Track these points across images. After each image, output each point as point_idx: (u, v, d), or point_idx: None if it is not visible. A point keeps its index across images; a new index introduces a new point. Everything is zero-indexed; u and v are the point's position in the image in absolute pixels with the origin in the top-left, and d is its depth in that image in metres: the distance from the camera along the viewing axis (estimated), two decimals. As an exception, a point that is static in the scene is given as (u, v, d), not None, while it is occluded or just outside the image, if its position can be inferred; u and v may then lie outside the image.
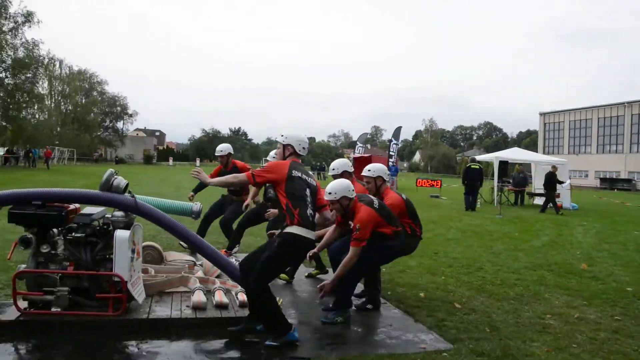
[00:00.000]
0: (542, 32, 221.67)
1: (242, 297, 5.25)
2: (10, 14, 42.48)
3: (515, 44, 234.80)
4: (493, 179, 22.95)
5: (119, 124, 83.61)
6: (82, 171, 40.06)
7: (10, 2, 42.36)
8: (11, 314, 4.65)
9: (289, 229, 4.42)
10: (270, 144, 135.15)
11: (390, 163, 32.67)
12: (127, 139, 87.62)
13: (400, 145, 35.93)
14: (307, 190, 4.58)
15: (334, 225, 5.38)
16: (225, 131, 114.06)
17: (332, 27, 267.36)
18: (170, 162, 77.37)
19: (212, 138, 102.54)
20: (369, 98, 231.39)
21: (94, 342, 4.37)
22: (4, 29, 42.15)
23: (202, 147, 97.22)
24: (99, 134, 78.23)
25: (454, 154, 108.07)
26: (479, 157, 26.20)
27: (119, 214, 4.86)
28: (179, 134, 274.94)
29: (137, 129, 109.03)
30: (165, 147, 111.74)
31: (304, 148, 4.84)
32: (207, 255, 5.13)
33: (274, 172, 4.56)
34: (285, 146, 4.82)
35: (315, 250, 5.29)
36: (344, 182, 5.12)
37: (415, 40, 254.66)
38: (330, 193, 4.99)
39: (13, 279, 4.63)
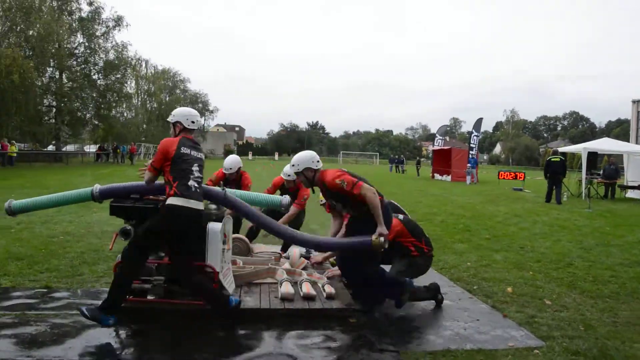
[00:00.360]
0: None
1: (329, 289, 5.34)
2: (102, 19, 44.91)
3: (601, 26, 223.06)
4: (580, 171, 21.93)
5: (201, 120, 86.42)
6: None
7: (103, 9, 44.79)
8: (113, 300, 4.94)
9: (167, 201, 4.49)
10: (347, 137, 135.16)
11: (471, 155, 31.95)
12: (208, 135, 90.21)
13: (480, 137, 35.03)
14: (195, 165, 4.61)
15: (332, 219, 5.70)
16: (303, 125, 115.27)
17: (408, 22, 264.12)
18: (250, 156, 79.11)
19: (290, 132, 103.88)
20: (448, 90, 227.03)
21: (189, 329, 4.57)
22: (97, 33, 44.57)
23: (281, 141, 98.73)
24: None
25: (537, 146, 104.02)
26: (565, 149, 25.12)
27: (211, 206, 5.05)
28: (258, 128, 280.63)
29: (217, 125, 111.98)
30: (244, 141, 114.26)
31: (193, 122, 4.79)
32: (297, 240, 5.25)
33: (165, 152, 4.56)
34: (174, 125, 4.79)
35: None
36: (307, 152, 5.14)
37: (495, 27, 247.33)
38: (293, 165, 5.06)
39: (114, 268, 4.92)
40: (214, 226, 4.84)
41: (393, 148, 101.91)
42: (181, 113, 4.80)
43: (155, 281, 4.87)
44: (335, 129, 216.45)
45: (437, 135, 40.86)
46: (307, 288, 5.29)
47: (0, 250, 7.32)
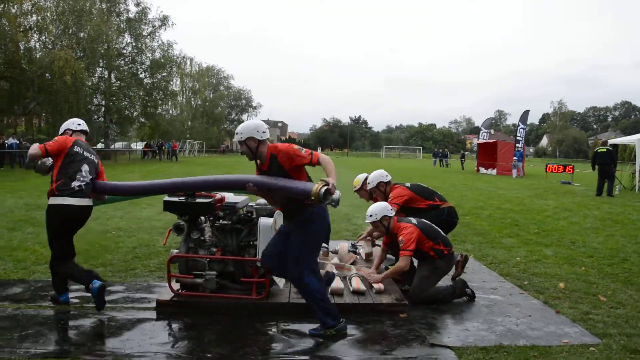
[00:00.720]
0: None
1: (378, 285, 5.34)
2: (149, 19, 45.86)
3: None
4: (633, 164, 21.21)
5: (244, 116, 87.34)
6: (210, 162, 42.32)
7: (149, 9, 45.74)
8: (166, 294, 5.08)
9: (49, 201, 4.86)
10: (390, 131, 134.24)
11: (517, 148, 31.32)
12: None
13: (526, 130, 34.29)
14: (85, 165, 4.96)
15: (382, 247, 5.97)
16: (345, 120, 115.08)
17: (449, 13, 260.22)
18: (293, 151, 79.51)
19: (332, 127, 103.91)
20: (492, 81, 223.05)
21: (240, 323, 4.65)
22: (143, 33, 45.55)
23: (323, 137, 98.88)
24: (225, 126, 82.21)
25: (586, 138, 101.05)
26: (616, 140, 24.33)
27: (262, 202, 5.11)
28: (301, 124, 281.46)
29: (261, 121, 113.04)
30: (287, 137, 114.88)
31: (79, 125, 5.36)
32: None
33: (59, 146, 4.93)
34: (64, 131, 5.26)
35: (372, 272, 5.72)
36: (381, 203, 5.62)
37: (541, 16, 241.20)
38: (371, 215, 5.47)
39: (168, 262, 5.05)
40: (265, 221, 4.90)
41: (436, 142, 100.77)
42: (69, 121, 5.42)
43: (208, 276, 4.96)
44: (377, 124, 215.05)
45: (482, 128, 40.21)
46: (356, 283, 5.31)
47: (57, 246, 7.56)
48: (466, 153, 52.74)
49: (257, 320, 4.73)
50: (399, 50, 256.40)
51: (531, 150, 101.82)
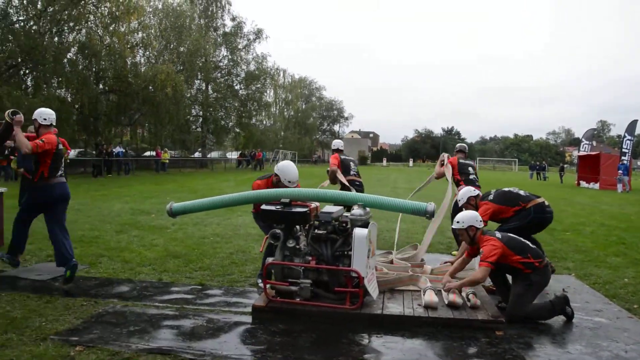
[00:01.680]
0: None
1: (474, 298, 5.21)
2: (244, 33, 47.56)
3: None
4: None
5: (336, 127, 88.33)
6: (302, 172, 42.86)
7: (244, 23, 47.39)
8: (262, 300, 5.21)
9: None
10: (484, 143, 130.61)
11: (623, 161, 29.56)
12: (343, 141, 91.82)
13: (634, 141, 32.25)
14: (62, 159, 6.29)
15: (463, 257, 5.79)
16: (438, 131, 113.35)
17: (545, 16, 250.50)
18: (384, 162, 79.29)
19: (424, 138, 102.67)
20: (595, 90, 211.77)
21: (334, 332, 4.67)
22: (239, 46, 47.26)
23: (415, 148, 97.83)
24: (317, 136, 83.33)
25: None
26: None
27: (357, 212, 5.14)
28: (393, 135, 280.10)
29: (352, 131, 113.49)
30: (378, 148, 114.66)
31: (45, 119, 6.22)
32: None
33: (50, 144, 6.01)
34: (41, 126, 6.22)
35: (447, 279, 5.61)
36: (472, 212, 5.55)
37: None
38: (458, 222, 5.44)
39: (264, 269, 5.18)
40: (360, 232, 4.92)
41: (533, 154, 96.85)
42: (40, 114, 6.29)
43: (302, 284, 5.04)
44: (471, 134, 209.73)
45: (582, 139, 38.27)
46: (454, 297, 5.20)
47: (159, 249, 7.98)
48: (565, 166, 50.40)
49: (350, 330, 4.73)
50: (492, 57, 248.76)
51: (639, 163, 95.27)
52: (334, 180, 8.51)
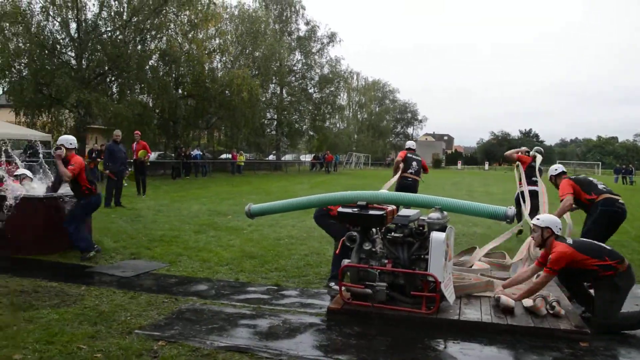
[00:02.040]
0: None
1: (558, 307, 5.00)
2: (317, 37, 47.96)
3: None
4: None
5: (409, 130, 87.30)
6: (374, 175, 42.70)
7: (318, 27, 47.80)
8: (337, 302, 5.22)
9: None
10: (564, 145, 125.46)
11: None
12: (417, 144, 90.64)
13: None
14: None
15: (532, 265, 5.51)
16: (515, 133, 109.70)
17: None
18: (459, 165, 77.74)
19: (501, 141, 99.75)
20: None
21: (409, 337, 4.62)
22: (313, 50, 47.69)
23: (491, 151, 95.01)
24: (390, 139, 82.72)
25: None
26: None
27: (435, 216, 5.07)
28: (468, 137, 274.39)
29: (426, 134, 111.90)
30: (453, 150, 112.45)
31: (71, 144, 7.43)
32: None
33: (79, 164, 7.28)
34: (68, 150, 7.37)
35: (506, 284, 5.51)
36: (555, 218, 5.32)
37: None
38: (538, 219, 5.30)
39: (340, 271, 5.19)
40: (437, 236, 4.84)
41: (618, 157, 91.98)
42: (64, 139, 7.49)
43: (378, 287, 5.01)
44: (550, 137, 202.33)
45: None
46: (541, 303, 5.01)
47: (236, 249, 8.16)
48: (657, 170, 47.63)
49: (426, 334, 4.66)
50: (572, 55, 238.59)
51: None
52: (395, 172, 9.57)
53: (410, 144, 10.36)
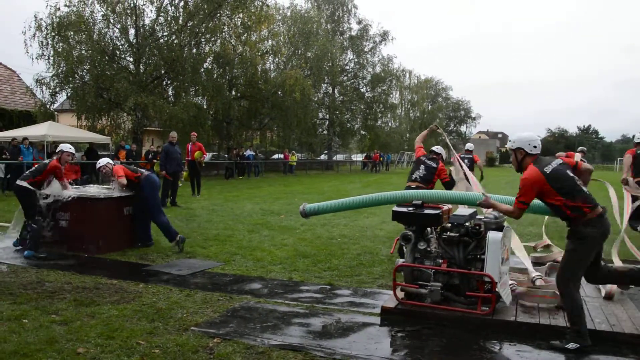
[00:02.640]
0: None
1: (541, 280, 4.83)
2: (370, 35, 47.83)
3: None
4: None
5: (462, 128, 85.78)
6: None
7: (371, 26, 47.66)
8: (391, 302, 5.19)
9: None
10: (626, 141, 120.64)
11: None
12: (470, 142, 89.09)
13: None
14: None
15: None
16: (573, 130, 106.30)
17: None
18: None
19: (558, 138, 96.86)
20: None
21: (464, 337, 4.55)
22: (365, 49, 47.61)
23: (547, 148, 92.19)
24: (443, 137, 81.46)
25: None
26: None
27: (491, 215, 4.96)
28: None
29: (479, 132, 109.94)
30: (507, 148, 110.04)
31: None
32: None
33: (118, 170, 8.04)
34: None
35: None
36: (527, 135, 4.71)
37: None
38: (510, 140, 4.82)
39: (394, 271, 5.16)
40: (494, 235, 4.74)
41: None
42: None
43: (432, 287, 4.95)
44: (610, 133, 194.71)
45: None
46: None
47: (289, 249, 8.22)
48: None
49: (481, 336, 4.59)
50: (634, 49, 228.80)
51: None
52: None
53: (469, 145, 9.25)
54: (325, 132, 48.20)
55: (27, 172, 7.90)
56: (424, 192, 5.43)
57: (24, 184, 7.45)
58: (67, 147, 8.06)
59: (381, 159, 49.69)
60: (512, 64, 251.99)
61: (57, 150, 8.17)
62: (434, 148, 8.09)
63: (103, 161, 8.32)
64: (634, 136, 9.38)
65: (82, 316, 4.82)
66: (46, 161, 7.94)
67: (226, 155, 33.19)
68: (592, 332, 4.50)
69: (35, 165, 8.04)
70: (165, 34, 27.17)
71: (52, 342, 4.18)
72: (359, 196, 5.99)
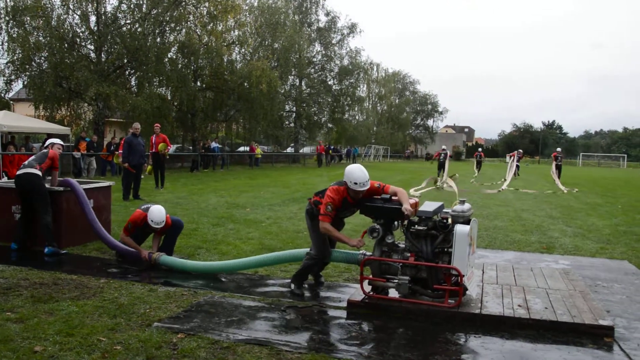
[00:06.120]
0: None
1: None
2: (338, 27, 47.74)
3: None
4: None
5: (430, 122, 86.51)
6: (393, 167, 42.52)
7: (339, 18, 47.56)
8: (357, 295, 5.17)
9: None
10: (588, 137, 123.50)
11: None
12: (436, 136, 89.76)
13: None
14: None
15: None
16: (538, 125, 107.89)
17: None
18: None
19: (523, 133, 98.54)
20: None
21: (430, 330, 4.56)
22: (332, 41, 47.48)
23: (513, 143, 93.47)
24: (410, 131, 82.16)
25: None
26: None
27: (459, 208, 4.97)
28: (489, 129, 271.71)
29: (446, 126, 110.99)
30: (474, 143, 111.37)
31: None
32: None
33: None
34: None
35: None
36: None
37: None
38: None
39: (361, 265, 5.13)
40: (461, 229, 4.74)
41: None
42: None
43: (400, 280, 4.93)
44: (574, 129, 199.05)
45: None
46: None
47: (255, 242, 8.13)
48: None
49: (447, 329, 4.61)
50: (602, 46, 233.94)
51: None
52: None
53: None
54: (292, 124, 48.01)
55: (30, 159, 7.40)
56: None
57: (35, 170, 7.10)
58: (57, 141, 7.76)
59: (331, 151, 46.85)
60: (480, 59, 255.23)
61: (45, 145, 7.83)
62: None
63: (56, 140, 7.85)
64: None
65: (40, 313, 4.65)
66: (45, 150, 7.55)
67: (191, 148, 32.75)
68: (554, 322, 4.60)
69: (36, 154, 7.69)
70: (128, 21, 26.57)
71: (6, 340, 4.02)
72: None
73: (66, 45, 24.77)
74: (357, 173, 5.12)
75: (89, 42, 26.63)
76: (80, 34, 26.16)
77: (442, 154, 26.57)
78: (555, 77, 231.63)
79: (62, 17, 24.98)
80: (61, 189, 7.45)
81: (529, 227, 10.30)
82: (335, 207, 5.22)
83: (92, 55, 26.44)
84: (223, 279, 6.10)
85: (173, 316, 4.71)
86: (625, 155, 74.81)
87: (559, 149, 28.78)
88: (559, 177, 23.77)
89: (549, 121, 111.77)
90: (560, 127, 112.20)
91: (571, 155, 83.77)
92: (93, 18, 25.69)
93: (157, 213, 6.52)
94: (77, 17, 25.51)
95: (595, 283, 6.28)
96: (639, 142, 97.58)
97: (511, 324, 4.65)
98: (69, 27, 25.38)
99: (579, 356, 4.10)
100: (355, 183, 5.09)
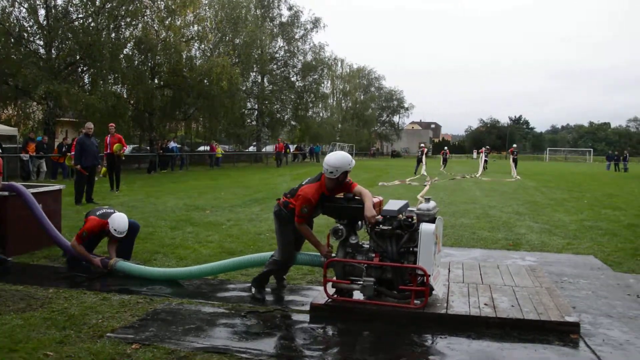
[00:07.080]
0: None
1: None
2: (301, 22, 47.26)
3: None
4: None
5: (395, 118, 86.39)
6: (359, 165, 42.47)
7: (302, 12, 47.11)
8: (320, 298, 5.03)
9: None
10: (555, 132, 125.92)
11: None
12: (402, 133, 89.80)
13: None
14: None
15: None
16: (504, 120, 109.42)
17: None
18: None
19: (490, 128, 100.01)
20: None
21: (396, 332, 4.47)
22: (295, 36, 47.04)
23: (480, 138, 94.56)
24: (376, 128, 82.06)
25: None
26: None
27: (424, 207, 4.85)
28: (456, 125, 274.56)
29: (412, 122, 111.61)
30: (440, 139, 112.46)
31: None
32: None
33: None
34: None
35: None
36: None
37: None
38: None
39: (324, 267, 4.97)
40: (427, 227, 4.63)
41: (611, 143, 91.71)
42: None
43: (365, 282, 4.79)
44: (540, 123, 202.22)
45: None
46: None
47: (215, 245, 7.88)
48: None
49: (412, 330, 4.51)
50: (570, 40, 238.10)
51: None
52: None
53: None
54: (254, 122, 47.50)
55: None
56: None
57: None
58: None
59: (288, 149, 44.75)
60: (447, 52, 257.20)
61: None
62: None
63: None
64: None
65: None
66: None
67: (148, 148, 32.01)
68: (520, 320, 4.55)
69: None
70: (80, 15, 25.65)
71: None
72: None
73: (12, 40, 23.75)
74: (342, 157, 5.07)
75: (37, 37, 25.56)
76: (28, 29, 25.10)
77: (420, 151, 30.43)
78: (521, 70, 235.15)
79: (7, 10, 23.89)
80: (6, 193, 7.02)
81: (496, 224, 10.33)
82: (311, 208, 5.01)
83: (42, 51, 25.46)
84: (181, 285, 5.86)
85: (127, 326, 4.47)
86: (592, 149, 76.50)
87: (514, 145, 35.70)
88: (515, 168, 29.52)
89: (515, 116, 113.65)
90: (527, 122, 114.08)
91: (538, 150, 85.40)
92: (42, 12, 24.69)
93: (120, 221, 6.25)
94: (24, 10, 24.46)
95: (562, 279, 6.29)
96: (605, 136, 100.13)
97: (477, 323, 4.58)
98: (15, 21, 24.26)
99: (546, 354, 4.05)
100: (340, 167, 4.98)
